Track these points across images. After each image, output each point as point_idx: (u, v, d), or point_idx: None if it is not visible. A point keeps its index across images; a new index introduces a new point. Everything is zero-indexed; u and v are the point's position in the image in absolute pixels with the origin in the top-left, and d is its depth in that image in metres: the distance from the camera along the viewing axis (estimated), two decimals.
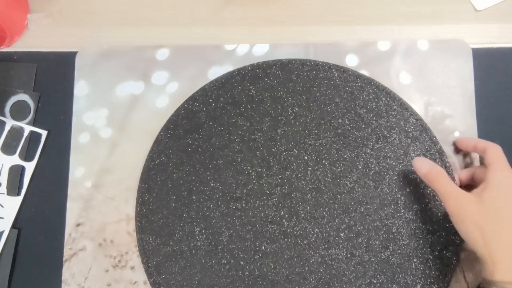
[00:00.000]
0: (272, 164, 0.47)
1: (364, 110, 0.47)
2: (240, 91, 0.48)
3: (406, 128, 0.47)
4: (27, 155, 0.48)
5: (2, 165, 0.48)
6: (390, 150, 0.47)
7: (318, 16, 0.51)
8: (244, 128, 0.48)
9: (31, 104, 0.49)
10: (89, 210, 0.47)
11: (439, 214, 0.45)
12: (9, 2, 0.49)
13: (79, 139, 0.48)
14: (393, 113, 0.47)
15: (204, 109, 0.48)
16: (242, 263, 0.45)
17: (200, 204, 0.46)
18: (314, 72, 0.48)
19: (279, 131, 0.47)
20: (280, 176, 0.47)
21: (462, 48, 0.49)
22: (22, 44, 0.51)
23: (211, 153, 0.47)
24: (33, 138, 0.49)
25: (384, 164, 0.46)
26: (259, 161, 0.47)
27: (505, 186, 0.41)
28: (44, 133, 0.49)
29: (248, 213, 0.46)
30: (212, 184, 0.47)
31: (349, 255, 0.45)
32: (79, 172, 0.48)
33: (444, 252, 0.45)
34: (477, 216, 0.40)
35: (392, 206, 0.46)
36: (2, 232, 0.47)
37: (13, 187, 0.48)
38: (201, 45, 0.50)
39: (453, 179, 0.46)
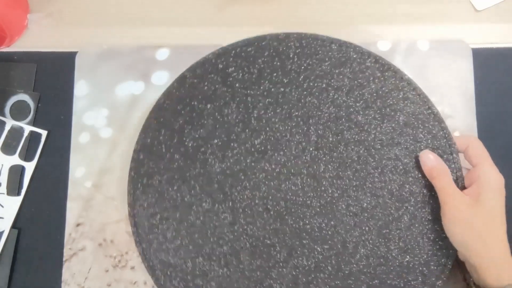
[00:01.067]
0: (268, 148, 0.46)
1: (368, 89, 0.46)
2: (232, 71, 0.47)
3: (413, 107, 0.46)
4: (27, 155, 0.48)
5: (2, 165, 0.48)
6: (394, 131, 0.45)
7: (318, 16, 0.51)
8: (240, 109, 0.47)
9: (31, 104, 0.49)
10: (89, 210, 0.47)
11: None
12: (9, 2, 0.49)
13: (79, 139, 0.48)
14: (399, 93, 0.46)
15: (194, 90, 0.47)
16: (247, 258, 0.44)
17: (197, 198, 0.45)
18: (312, 48, 0.47)
19: (274, 112, 0.46)
20: (278, 159, 0.46)
21: (462, 48, 0.49)
22: (22, 44, 0.51)
23: (204, 140, 0.46)
24: (33, 138, 0.49)
25: (389, 145, 0.45)
26: (255, 145, 0.46)
27: (498, 187, 0.41)
28: (44, 133, 0.49)
29: (248, 202, 0.45)
30: (208, 170, 0.46)
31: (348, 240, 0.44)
32: (79, 172, 0.48)
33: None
34: (474, 220, 0.40)
35: (395, 191, 0.45)
36: (2, 232, 0.47)
37: (13, 187, 0.48)
38: (201, 45, 0.50)
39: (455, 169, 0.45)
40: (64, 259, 0.46)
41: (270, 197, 0.45)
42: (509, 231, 0.41)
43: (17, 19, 0.50)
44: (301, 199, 0.45)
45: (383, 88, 0.46)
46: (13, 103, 0.49)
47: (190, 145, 0.46)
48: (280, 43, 0.48)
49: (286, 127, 0.46)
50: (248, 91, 0.47)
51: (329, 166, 0.46)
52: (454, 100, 0.49)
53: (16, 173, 0.48)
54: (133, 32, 0.51)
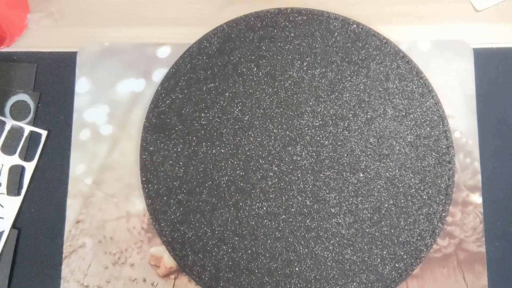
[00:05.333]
0: (274, 134, 0.46)
1: (378, 72, 0.47)
2: (240, 52, 0.48)
3: (416, 95, 0.47)
4: (27, 155, 0.48)
5: (2, 165, 0.48)
6: (396, 119, 0.46)
7: None
8: (246, 94, 0.47)
9: (31, 104, 0.49)
10: (89, 207, 0.47)
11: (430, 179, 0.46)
12: (9, 2, 0.49)
13: (80, 136, 0.48)
14: (408, 83, 0.47)
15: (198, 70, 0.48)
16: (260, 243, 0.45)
17: (211, 191, 0.46)
18: (322, 26, 0.48)
19: (278, 95, 0.47)
20: (278, 150, 0.46)
21: (463, 48, 0.49)
22: (22, 44, 0.51)
23: (212, 124, 0.47)
24: (33, 138, 0.49)
25: (394, 135, 0.46)
26: (263, 129, 0.46)
27: None
28: (44, 133, 0.49)
29: (250, 190, 0.46)
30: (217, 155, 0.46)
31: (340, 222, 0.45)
32: (80, 169, 0.48)
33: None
34: None
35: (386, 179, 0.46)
36: (2, 232, 0.47)
37: (13, 187, 0.48)
38: None
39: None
40: (63, 256, 0.46)
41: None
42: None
43: (17, 19, 0.50)
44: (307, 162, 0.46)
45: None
46: (13, 103, 0.49)
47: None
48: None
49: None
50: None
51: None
52: (455, 101, 0.49)
53: (16, 173, 0.48)
54: (133, 32, 0.51)
